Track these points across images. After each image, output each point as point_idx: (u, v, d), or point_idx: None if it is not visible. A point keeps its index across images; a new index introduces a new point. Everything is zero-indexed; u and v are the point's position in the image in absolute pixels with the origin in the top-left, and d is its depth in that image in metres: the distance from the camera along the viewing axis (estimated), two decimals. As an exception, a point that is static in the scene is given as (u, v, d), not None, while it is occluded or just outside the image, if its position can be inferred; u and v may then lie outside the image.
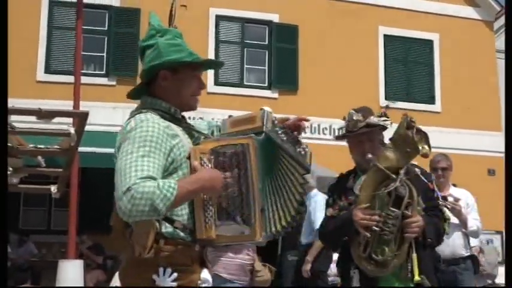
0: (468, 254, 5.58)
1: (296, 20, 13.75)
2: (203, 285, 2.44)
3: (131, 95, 2.61)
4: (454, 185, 5.91)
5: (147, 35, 2.55)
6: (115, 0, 13.04)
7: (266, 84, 13.75)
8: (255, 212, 2.36)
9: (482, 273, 7.15)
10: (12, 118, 3.99)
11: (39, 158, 5.07)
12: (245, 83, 13.65)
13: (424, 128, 3.09)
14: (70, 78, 9.80)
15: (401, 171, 3.10)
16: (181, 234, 2.34)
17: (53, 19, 12.73)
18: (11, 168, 4.72)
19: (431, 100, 14.54)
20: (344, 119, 3.52)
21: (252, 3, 13.67)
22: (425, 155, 3.06)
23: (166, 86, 2.48)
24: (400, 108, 12.51)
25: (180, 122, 2.50)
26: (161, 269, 2.29)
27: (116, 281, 5.70)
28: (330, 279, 7.88)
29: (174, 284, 2.30)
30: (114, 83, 12.72)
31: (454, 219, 5.01)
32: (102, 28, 12.99)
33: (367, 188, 3.19)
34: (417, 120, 3.08)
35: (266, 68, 13.84)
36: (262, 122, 2.43)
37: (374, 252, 3.17)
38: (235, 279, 5.79)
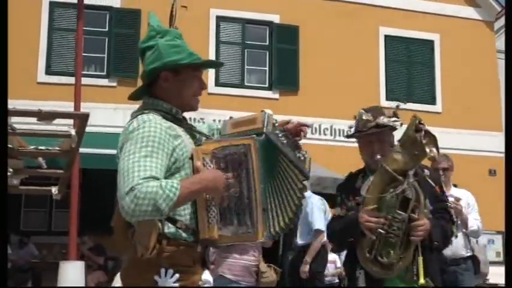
0: (469, 254, 5.58)
1: (297, 20, 13.73)
2: (204, 286, 2.44)
3: (132, 97, 2.61)
4: (455, 186, 5.91)
5: (147, 36, 2.54)
6: (115, 1, 13.03)
7: (267, 85, 13.73)
8: (257, 212, 2.37)
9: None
10: (13, 119, 3.98)
11: (40, 159, 5.06)
12: (246, 84, 13.62)
13: (424, 128, 3.08)
14: (71, 80, 9.81)
15: (409, 174, 3.07)
16: (184, 234, 2.34)
17: (54, 20, 12.72)
18: (11, 170, 4.71)
19: (432, 100, 14.52)
20: (354, 118, 3.47)
21: (253, 3, 13.64)
22: (432, 159, 3.04)
23: (168, 87, 2.48)
24: (401, 109, 12.47)
25: (182, 122, 2.50)
26: (163, 270, 2.29)
27: (117, 281, 5.70)
28: (326, 279, 7.91)
29: (176, 284, 2.29)
30: (114, 84, 12.71)
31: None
32: (102, 29, 12.98)
33: (374, 189, 3.17)
34: (418, 120, 3.08)
35: (267, 68, 13.82)
36: (263, 123, 2.43)
37: (379, 254, 3.16)
38: (240, 280, 5.79)
